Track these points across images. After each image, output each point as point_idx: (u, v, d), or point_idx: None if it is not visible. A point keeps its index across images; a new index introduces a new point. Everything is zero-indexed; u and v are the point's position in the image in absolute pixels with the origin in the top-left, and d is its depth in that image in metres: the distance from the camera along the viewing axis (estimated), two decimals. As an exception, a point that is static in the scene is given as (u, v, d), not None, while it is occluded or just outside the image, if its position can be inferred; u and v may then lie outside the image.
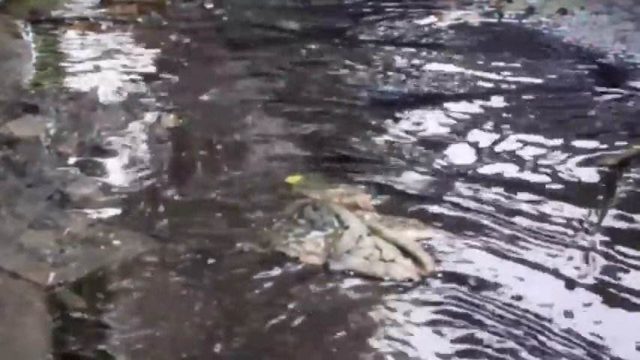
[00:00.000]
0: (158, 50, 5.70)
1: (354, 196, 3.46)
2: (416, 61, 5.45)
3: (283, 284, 2.87)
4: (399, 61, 5.46)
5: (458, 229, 3.21)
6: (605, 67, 5.29)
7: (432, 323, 2.65)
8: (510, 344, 2.54)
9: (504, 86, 4.97)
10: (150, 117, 4.41)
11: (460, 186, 3.60)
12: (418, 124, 4.36)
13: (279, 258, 3.00)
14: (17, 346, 2.56)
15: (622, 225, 3.25)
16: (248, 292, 2.82)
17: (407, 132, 4.24)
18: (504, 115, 4.48)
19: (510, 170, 3.78)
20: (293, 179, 3.65)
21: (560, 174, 3.72)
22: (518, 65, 5.31)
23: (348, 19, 6.56)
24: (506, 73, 5.16)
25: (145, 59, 5.46)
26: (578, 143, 4.05)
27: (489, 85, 5.00)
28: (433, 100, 4.70)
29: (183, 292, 2.82)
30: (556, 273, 2.91)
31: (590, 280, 2.87)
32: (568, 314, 2.67)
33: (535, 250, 3.07)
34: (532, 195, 3.50)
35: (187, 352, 2.52)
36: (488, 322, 2.64)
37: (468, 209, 3.38)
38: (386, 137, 4.18)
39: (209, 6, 7.02)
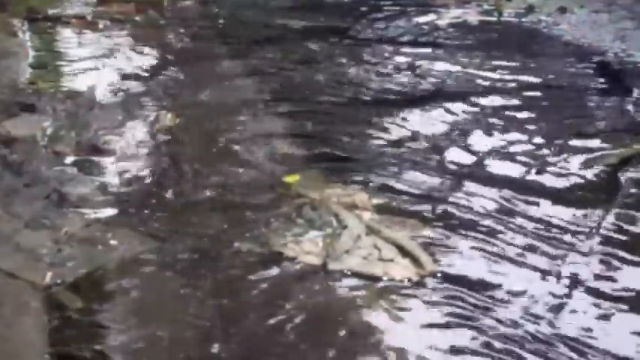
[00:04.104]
0: (156, 49, 5.68)
1: (352, 196, 3.45)
2: (415, 60, 5.44)
3: (281, 284, 2.85)
4: (399, 60, 5.45)
5: (457, 229, 3.20)
6: (605, 65, 5.28)
7: (430, 323, 2.64)
8: (509, 345, 2.52)
9: (504, 85, 4.95)
10: (147, 116, 4.39)
11: (459, 185, 3.58)
12: (417, 123, 4.34)
13: (277, 258, 2.98)
14: (14, 346, 2.55)
15: (623, 225, 3.23)
16: (246, 292, 2.81)
17: (406, 131, 4.23)
18: (504, 114, 4.47)
19: (510, 169, 3.77)
20: (291, 178, 3.64)
21: (560, 173, 3.71)
22: (517, 64, 5.30)
23: (348, 18, 6.54)
24: (505, 71, 5.15)
25: (142, 58, 5.45)
26: (578, 142, 4.04)
27: (489, 83, 4.98)
28: (432, 98, 4.69)
29: (180, 292, 2.81)
30: (556, 273, 2.90)
31: (591, 281, 2.86)
32: (569, 315, 2.66)
33: (535, 250, 3.06)
34: (532, 194, 3.49)
35: (185, 352, 2.51)
36: (487, 322, 2.63)
37: (467, 209, 3.37)
38: (385, 136, 4.17)
39: (207, 4, 7.01)
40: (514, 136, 4.14)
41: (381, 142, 4.10)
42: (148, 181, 3.66)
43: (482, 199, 3.46)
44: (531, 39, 5.99)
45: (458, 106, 4.56)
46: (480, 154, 3.93)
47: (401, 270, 2.91)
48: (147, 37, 5.97)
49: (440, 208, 3.37)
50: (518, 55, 5.48)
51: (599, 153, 3.90)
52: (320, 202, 3.37)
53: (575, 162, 3.82)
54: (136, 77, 5.04)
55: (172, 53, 5.62)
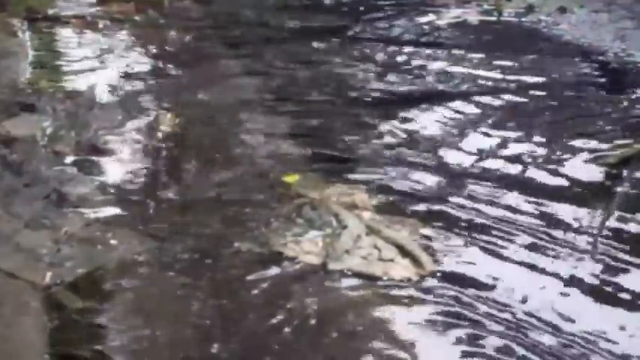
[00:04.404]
0: (155, 49, 5.68)
1: (352, 196, 3.45)
2: (415, 60, 5.44)
3: (281, 284, 2.85)
4: (399, 60, 5.45)
5: (457, 229, 3.20)
6: (605, 65, 5.28)
7: (430, 323, 2.64)
8: (509, 345, 2.52)
9: (504, 85, 4.95)
10: (147, 116, 4.39)
11: (460, 185, 3.58)
12: (417, 122, 4.34)
13: (277, 258, 2.98)
14: (14, 346, 2.55)
15: (622, 224, 3.23)
16: (246, 291, 2.80)
17: (406, 131, 4.23)
18: (503, 113, 4.47)
19: (510, 169, 3.76)
20: (291, 178, 3.63)
21: (560, 173, 3.71)
22: (517, 64, 5.30)
23: (347, 18, 6.55)
24: (505, 71, 5.15)
25: (142, 58, 5.45)
26: (578, 142, 4.03)
27: (489, 83, 4.99)
28: (433, 98, 4.69)
29: (180, 292, 2.80)
30: (556, 273, 2.90)
31: (590, 281, 2.86)
32: (568, 315, 2.66)
33: (535, 250, 3.05)
34: (532, 194, 3.48)
35: (185, 352, 2.51)
36: (487, 322, 2.63)
37: (467, 209, 3.37)
38: (385, 136, 4.17)
39: (207, 4, 7.01)
40: (514, 135, 4.14)
41: (381, 141, 4.10)
42: (147, 180, 3.66)
43: (482, 198, 3.46)
44: (531, 39, 5.99)
45: (458, 106, 4.56)
46: (480, 154, 3.93)
47: (401, 270, 2.90)
48: (146, 36, 5.97)
49: (439, 208, 3.37)
50: (518, 54, 5.48)
51: (600, 153, 3.90)
52: (320, 201, 3.36)
53: (575, 161, 3.82)
54: (136, 77, 5.04)
55: (172, 53, 5.62)
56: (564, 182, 3.64)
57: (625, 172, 3.67)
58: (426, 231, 3.18)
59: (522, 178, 3.68)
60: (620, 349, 2.50)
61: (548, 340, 2.54)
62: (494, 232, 3.18)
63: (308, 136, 4.17)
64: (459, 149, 3.99)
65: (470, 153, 3.94)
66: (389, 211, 3.35)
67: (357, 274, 2.89)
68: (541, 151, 3.94)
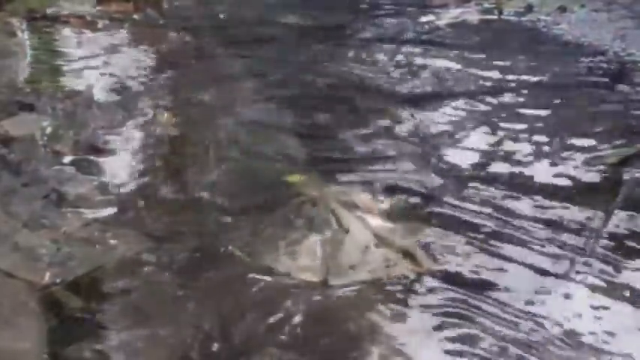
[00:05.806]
0: (154, 48, 5.67)
1: (353, 196, 3.44)
2: (415, 59, 5.43)
3: (280, 283, 2.84)
4: (399, 59, 5.44)
5: (457, 229, 3.19)
6: (605, 64, 5.27)
7: (429, 323, 2.63)
8: (508, 345, 2.52)
9: (504, 85, 4.94)
10: (146, 115, 4.38)
11: (460, 185, 3.58)
12: (417, 122, 4.34)
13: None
14: (12, 347, 2.54)
15: (623, 224, 3.23)
16: (245, 291, 2.80)
17: (406, 131, 4.22)
18: (504, 113, 4.46)
19: (510, 169, 3.76)
20: (294, 178, 3.63)
21: (560, 173, 3.70)
22: (517, 63, 5.29)
23: (347, 16, 6.53)
24: (505, 71, 5.14)
25: (141, 57, 5.44)
26: (579, 142, 4.03)
27: (489, 83, 4.97)
28: (433, 98, 4.68)
29: (179, 292, 2.80)
30: (556, 273, 2.90)
31: (590, 281, 2.86)
32: (568, 315, 2.65)
33: (535, 251, 3.05)
34: (532, 194, 3.48)
35: (184, 352, 2.51)
36: (487, 322, 2.62)
37: (467, 209, 3.36)
38: (385, 136, 4.16)
39: (206, 3, 6.99)
40: (514, 135, 4.13)
41: (381, 141, 4.09)
42: (146, 180, 3.65)
43: (483, 198, 3.45)
44: (531, 38, 5.97)
45: (458, 106, 4.55)
46: (480, 154, 3.92)
47: (400, 269, 2.90)
48: (145, 36, 5.96)
49: (440, 208, 3.36)
50: (518, 54, 5.46)
51: (600, 152, 3.90)
52: (320, 199, 3.35)
53: (575, 161, 3.81)
54: (135, 76, 5.03)
55: (171, 52, 5.61)
56: (564, 182, 3.63)
57: (625, 172, 3.67)
58: (426, 231, 3.18)
59: (522, 177, 3.68)
60: (620, 349, 2.50)
61: (547, 340, 2.53)
62: (494, 232, 3.18)
63: (308, 135, 4.16)
64: (459, 149, 3.98)
65: (470, 153, 3.94)
66: (389, 211, 3.34)
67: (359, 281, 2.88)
68: (541, 150, 3.94)
